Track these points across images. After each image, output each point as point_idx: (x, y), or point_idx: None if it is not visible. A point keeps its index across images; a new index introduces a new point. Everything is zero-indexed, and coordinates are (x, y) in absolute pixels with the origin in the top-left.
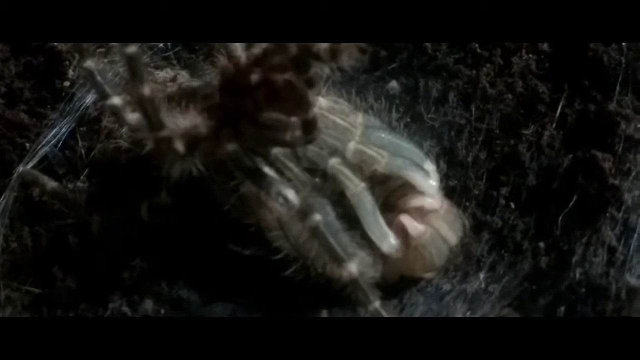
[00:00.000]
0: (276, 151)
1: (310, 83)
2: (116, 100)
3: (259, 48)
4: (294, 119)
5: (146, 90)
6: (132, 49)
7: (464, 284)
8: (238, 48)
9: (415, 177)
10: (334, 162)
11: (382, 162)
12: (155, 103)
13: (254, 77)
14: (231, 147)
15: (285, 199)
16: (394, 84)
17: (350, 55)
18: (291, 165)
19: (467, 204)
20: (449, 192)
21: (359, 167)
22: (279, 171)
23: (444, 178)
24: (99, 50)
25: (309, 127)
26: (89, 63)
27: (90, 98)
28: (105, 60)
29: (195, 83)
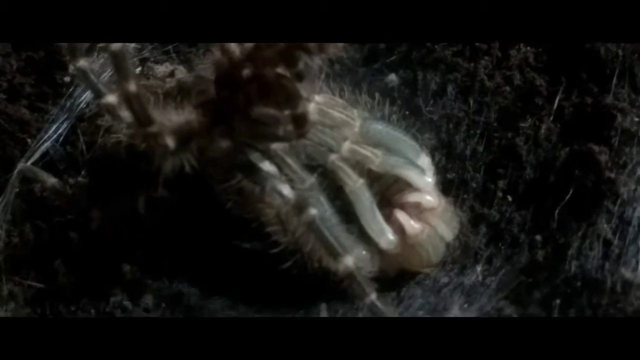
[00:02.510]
0: (275, 147)
1: (300, 76)
2: (111, 98)
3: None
4: (285, 113)
5: (132, 86)
6: (117, 45)
7: (461, 276)
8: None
9: (410, 175)
10: (334, 157)
11: (376, 161)
12: (142, 99)
13: (246, 71)
14: (225, 143)
15: (280, 194)
16: (392, 77)
17: (337, 47)
18: (289, 161)
19: (465, 196)
20: (447, 184)
21: (356, 163)
22: (277, 167)
23: (442, 171)
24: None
25: (300, 122)
26: (82, 63)
27: (90, 93)
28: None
29: (191, 78)
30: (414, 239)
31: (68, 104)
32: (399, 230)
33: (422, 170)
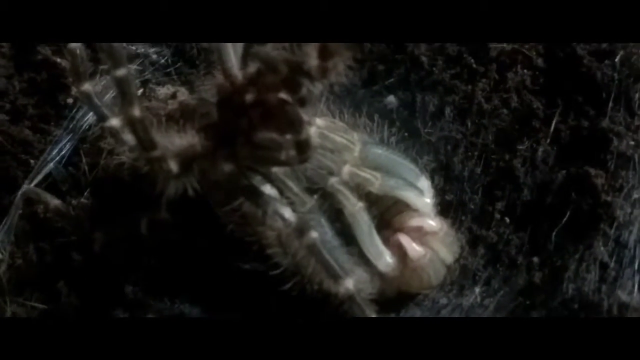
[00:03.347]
0: (276, 170)
1: (303, 102)
2: (114, 121)
3: (253, 67)
4: (288, 138)
5: (136, 111)
6: (121, 71)
7: (460, 298)
8: (234, 66)
9: (409, 196)
10: (333, 181)
11: (376, 183)
12: (146, 124)
13: (249, 96)
14: (228, 167)
15: (282, 217)
16: (391, 99)
17: (338, 72)
18: (290, 184)
19: (463, 218)
20: (445, 206)
21: (356, 186)
22: (279, 190)
23: (441, 192)
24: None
25: (303, 147)
26: (87, 86)
27: (93, 115)
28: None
29: (194, 101)
30: (417, 263)
31: (71, 125)
32: (401, 253)
33: (421, 192)
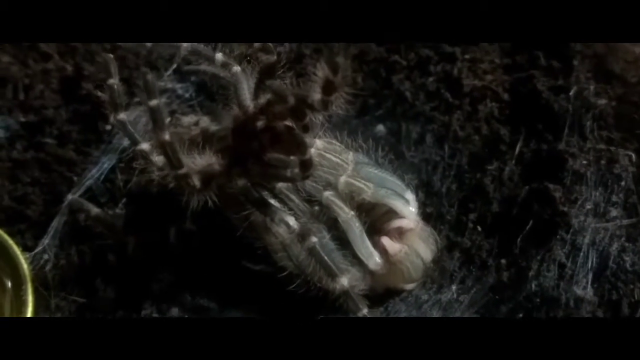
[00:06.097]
0: (280, 185)
1: (306, 128)
2: (144, 145)
3: (264, 98)
4: (293, 158)
5: (166, 136)
6: (154, 102)
7: (439, 294)
8: (248, 98)
9: (397, 204)
10: (327, 194)
11: (369, 192)
12: (175, 146)
13: (260, 123)
14: (241, 182)
15: (287, 224)
16: (381, 127)
17: (338, 106)
18: (293, 197)
19: (442, 227)
20: (426, 217)
21: (349, 197)
22: (283, 202)
23: (422, 206)
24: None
25: (306, 166)
26: (122, 115)
27: (127, 141)
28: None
29: (213, 127)
30: (395, 257)
31: (108, 148)
32: (383, 252)
33: (407, 201)
